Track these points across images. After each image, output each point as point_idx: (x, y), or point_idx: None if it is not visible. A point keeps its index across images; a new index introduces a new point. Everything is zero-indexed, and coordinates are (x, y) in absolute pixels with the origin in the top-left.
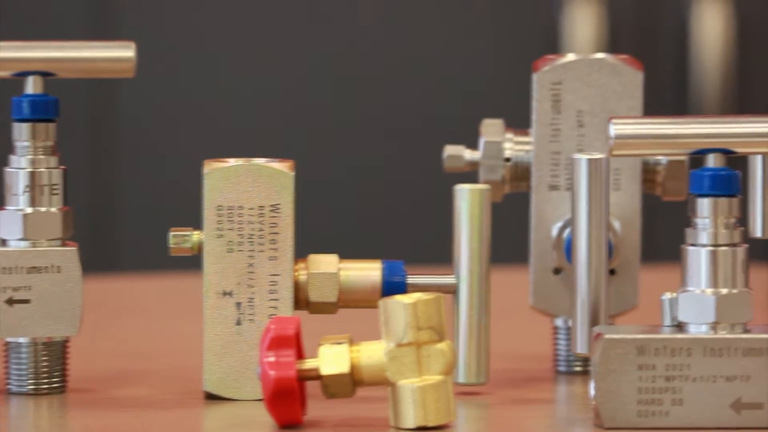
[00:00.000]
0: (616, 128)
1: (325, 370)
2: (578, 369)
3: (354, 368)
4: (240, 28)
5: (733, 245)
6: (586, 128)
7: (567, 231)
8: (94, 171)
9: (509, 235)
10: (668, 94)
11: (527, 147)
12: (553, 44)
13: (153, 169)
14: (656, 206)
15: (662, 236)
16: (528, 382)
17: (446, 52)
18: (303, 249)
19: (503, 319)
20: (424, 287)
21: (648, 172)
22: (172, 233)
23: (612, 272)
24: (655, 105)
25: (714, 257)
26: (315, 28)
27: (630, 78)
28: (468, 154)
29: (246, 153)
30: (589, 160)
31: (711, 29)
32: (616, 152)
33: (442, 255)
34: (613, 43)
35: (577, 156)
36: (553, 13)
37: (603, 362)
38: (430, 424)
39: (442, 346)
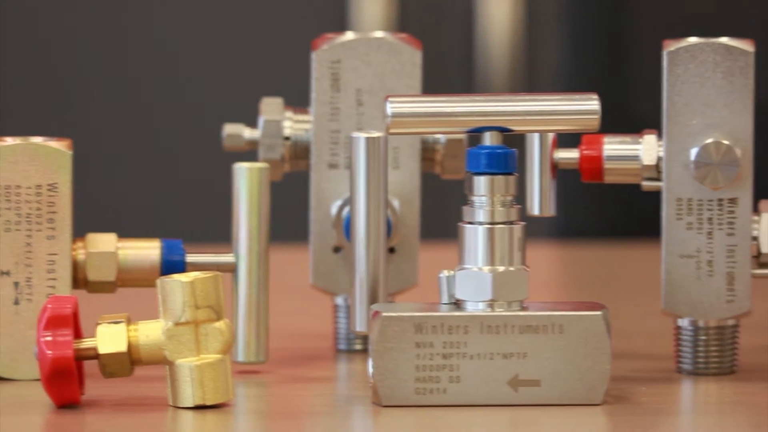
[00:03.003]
0: (392, 107)
1: (103, 349)
2: (358, 347)
3: (132, 347)
4: (27, 3)
5: (510, 223)
6: (365, 107)
7: (346, 209)
8: None
9: (289, 214)
10: (455, 75)
11: (306, 126)
12: (340, 24)
13: None
14: (439, 184)
15: (447, 214)
16: (308, 361)
17: (228, 29)
18: (81, 228)
19: (283, 298)
20: (202, 266)
21: (427, 150)
22: None
23: (391, 250)
24: (443, 85)
25: (490, 235)
26: (97, 3)
27: (409, 57)
28: (247, 133)
29: (24, 132)
30: (368, 139)
31: (498, 10)
32: (393, 130)
33: (221, 234)
34: (402, 23)
35: (356, 134)
36: None
37: (380, 340)
38: (208, 402)
39: (220, 324)
